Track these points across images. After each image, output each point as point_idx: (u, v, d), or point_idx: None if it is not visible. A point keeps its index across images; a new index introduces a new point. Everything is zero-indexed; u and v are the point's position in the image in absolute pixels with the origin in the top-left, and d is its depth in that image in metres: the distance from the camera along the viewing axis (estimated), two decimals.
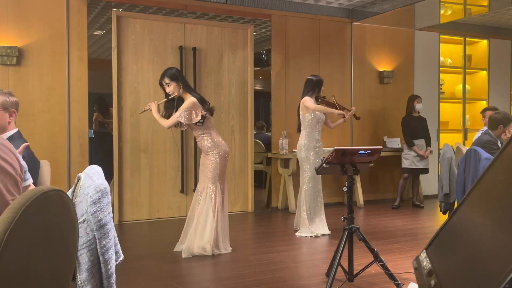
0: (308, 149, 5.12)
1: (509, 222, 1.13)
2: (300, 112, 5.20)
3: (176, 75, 4.26)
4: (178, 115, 4.19)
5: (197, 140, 4.42)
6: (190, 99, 4.23)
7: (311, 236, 4.95)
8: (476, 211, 1.42)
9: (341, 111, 5.13)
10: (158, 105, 4.32)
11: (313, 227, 5.05)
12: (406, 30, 7.53)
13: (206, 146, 4.31)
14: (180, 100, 4.32)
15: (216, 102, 6.23)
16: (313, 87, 5.20)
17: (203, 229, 4.26)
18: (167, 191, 5.96)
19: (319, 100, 5.25)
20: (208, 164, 4.31)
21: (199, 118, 4.22)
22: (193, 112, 4.21)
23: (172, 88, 4.25)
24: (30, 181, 2.34)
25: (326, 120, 5.31)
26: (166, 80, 4.25)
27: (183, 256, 4.21)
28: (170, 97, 4.30)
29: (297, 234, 5.07)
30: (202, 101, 4.30)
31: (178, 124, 4.30)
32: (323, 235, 5.02)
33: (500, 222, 1.18)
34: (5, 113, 2.86)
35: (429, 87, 7.71)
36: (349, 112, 5.29)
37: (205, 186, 4.31)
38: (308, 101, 5.09)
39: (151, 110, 4.31)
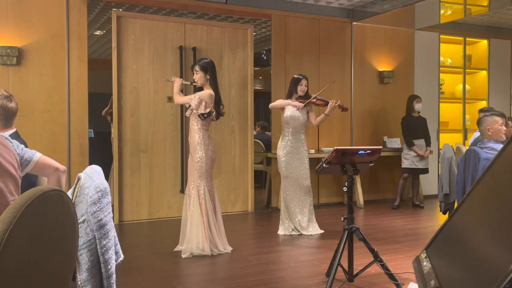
0: (283, 149, 5.13)
1: (509, 222, 1.13)
2: None
3: (206, 67, 4.41)
4: (191, 97, 4.34)
5: (189, 133, 4.46)
6: (210, 91, 4.37)
7: (284, 234, 5.07)
8: (476, 211, 1.42)
9: (297, 103, 5.06)
10: (182, 83, 4.50)
11: (287, 225, 5.10)
12: (406, 30, 7.53)
13: (195, 142, 4.36)
14: (201, 90, 4.46)
15: None
16: (292, 86, 5.21)
17: (197, 229, 4.27)
18: (167, 191, 5.96)
19: (298, 100, 5.15)
20: (195, 163, 4.36)
21: (206, 110, 4.29)
22: (204, 102, 4.30)
23: (198, 77, 4.42)
24: (37, 155, 2.34)
25: (310, 118, 5.20)
26: (196, 67, 4.43)
27: (183, 256, 4.22)
28: (192, 83, 4.49)
29: (278, 232, 5.16)
30: (217, 101, 4.42)
31: (185, 107, 4.46)
32: (301, 234, 5.07)
33: (500, 222, 1.18)
34: None
35: (429, 87, 7.71)
36: (327, 104, 5.11)
37: (193, 186, 4.35)
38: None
39: (173, 82, 4.50)
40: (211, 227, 4.31)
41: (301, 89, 5.15)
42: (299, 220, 5.10)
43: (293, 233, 5.08)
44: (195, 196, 4.29)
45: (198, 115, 4.30)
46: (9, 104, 2.89)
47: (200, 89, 4.47)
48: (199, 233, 4.26)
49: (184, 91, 5.88)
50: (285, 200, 5.14)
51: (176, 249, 4.41)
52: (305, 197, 5.14)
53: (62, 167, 2.43)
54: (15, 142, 2.37)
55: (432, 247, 1.57)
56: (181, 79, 4.53)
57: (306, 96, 5.19)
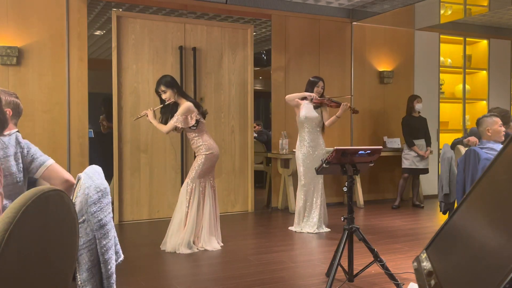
0: (300, 148, 5.28)
1: (509, 222, 1.13)
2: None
3: (171, 83, 4.48)
4: (175, 120, 4.41)
5: (190, 142, 4.61)
6: (185, 104, 4.43)
7: (295, 231, 5.22)
8: (476, 211, 1.42)
9: (311, 94, 5.20)
10: (154, 111, 4.51)
11: (301, 223, 5.25)
12: (406, 30, 7.53)
13: (197, 147, 4.51)
14: (175, 105, 4.52)
15: (216, 102, 6.24)
16: (308, 88, 5.38)
17: (189, 225, 4.40)
18: (167, 191, 5.96)
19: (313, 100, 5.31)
20: (194, 164, 4.51)
21: (194, 121, 4.43)
22: (188, 116, 4.42)
23: (168, 95, 4.46)
24: (49, 161, 2.36)
25: (324, 119, 5.34)
26: (162, 87, 4.46)
27: (167, 250, 4.37)
28: (166, 103, 4.50)
29: (289, 227, 5.38)
30: (196, 105, 4.52)
31: (175, 128, 4.50)
32: (308, 232, 5.16)
33: (500, 222, 1.18)
34: None
35: (429, 87, 7.71)
36: (339, 106, 5.25)
37: (185, 183, 4.50)
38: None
39: (147, 116, 4.49)
40: (197, 224, 4.44)
41: (317, 90, 5.31)
42: (311, 219, 5.22)
43: (304, 231, 5.18)
44: (184, 193, 4.44)
45: (190, 127, 4.45)
46: (20, 104, 2.93)
47: (175, 104, 4.52)
48: (187, 228, 4.39)
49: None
50: (299, 199, 5.28)
51: (162, 245, 4.49)
52: (318, 196, 5.24)
53: (71, 179, 2.43)
54: (26, 144, 2.38)
55: (432, 247, 1.57)
56: (151, 108, 4.53)
57: (321, 97, 5.34)
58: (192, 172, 4.47)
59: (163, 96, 4.47)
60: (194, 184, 4.43)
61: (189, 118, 4.41)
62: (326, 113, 5.35)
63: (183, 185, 4.52)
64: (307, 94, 5.24)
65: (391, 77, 7.36)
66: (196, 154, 4.55)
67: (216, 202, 4.59)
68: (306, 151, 5.23)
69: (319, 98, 5.27)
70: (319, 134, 5.29)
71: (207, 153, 4.46)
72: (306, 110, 5.21)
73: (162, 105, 4.55)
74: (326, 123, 5.36)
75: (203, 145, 4.47)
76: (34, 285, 1.53)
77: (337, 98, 5.45)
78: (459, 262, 1.32)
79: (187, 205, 4.41)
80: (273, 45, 6.64)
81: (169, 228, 4.50)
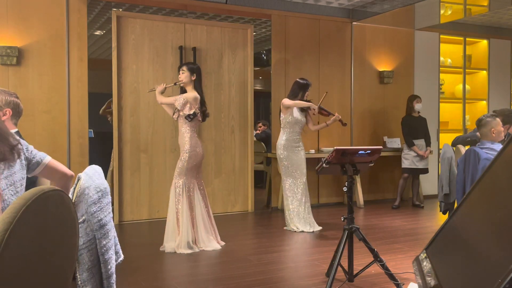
0: (285, 148, 5.30)
1: (509, 222, 1.13)
2: (281, 113, 5.41)
3: (193, 69, 4.57)
4: (177, 98, 4.49)
5: (178, 136, 4.62)
6: (194, 93, 4.51)
7: (294, 231, 5.20)
8: (476, 211, 1.42)
9: (316, 107, 5.22)
10: (166, 87, 4.65)
11: (295, 223, 5.24)
12: (406, 30, 7.53)
13: (183, 142, 4.52)
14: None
15: (216, 102, 6.24)
16: (298, 90, 5.38)
17: (183, 227, 4.41)
18: (167, 191, 5.94)
19: None
20: (179, 163, 4.52)
21: (191, 112, 4.44)
22: (189, 104, 4.45)
23: (183, 76, 4.53)
24: (47, 158, 2.36)
25: (308, 123, 5.43)
26: (184, 68, 4.56)
27: (166, 251, 4.38)
28: (176, 83, 4.62)
29: (284, 228, 5.36)
30: (202, 102, 4.56)
31: (172, 110, 4.57)
32: (303, 231, 5.17)
33: (500, 222, 1.18)
34: None
35: (429, 87, 7.71)
36: (331, 117, 5.36)
37: (173, 184, 4.52)
38: (286, 101, 5.32)
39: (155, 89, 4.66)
40: (190, 223, 4.44)
41: (307, 94, 5.41)
42: (298, 218, 5.24)
43: (296, 229, 5.20)
44: (173, 193, 4.47)
45: (185, 117, 4.44)
46: (20, 104, 2.93)
47: (185, 91, 4.57)
48: (183, 229, 4.40)
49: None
50: (286, 198, 5.31)
51: (163, 247, 4.48)
52: (304, 195, 5.26)
53: (69, 172, 2.44)
54: (24, 143, 2.37)
55: (432, 247, 1.57)
56: (164, 83, 4.65)
57: (307, 101, 5.39)
58: (177, 171, 4.49)
59: (180, 76, 4.55)
60: (181, 183, 4.44)
61: (188, 106, 4.44)
62: (310, 117, 5.45)
63: (172, 186, 4.52)
64: (310, 104, 5.24)
65: (391, 77, 7.36)
66: (180, 150, 4.56)
67: (207, 202, 4.60)
68: (289, 151, 5.29)
69: (321, 110, 5.37)
70: (300, 136, 5.39)
71: (191, 150, 4.47)
72: (297, 113, 5.31)
73: (174, 84, 4.67)
74: (313, 128, 5.49)
75: (188, 141, 4.47)
76: (34, 285, 1.54)
77: (322, 101, 5.46)
78: (459, 262, 1.32)
79: (177, 206, 4.42)
80: (273, 45, 6.64)
81: (166, 231, 4.50)
